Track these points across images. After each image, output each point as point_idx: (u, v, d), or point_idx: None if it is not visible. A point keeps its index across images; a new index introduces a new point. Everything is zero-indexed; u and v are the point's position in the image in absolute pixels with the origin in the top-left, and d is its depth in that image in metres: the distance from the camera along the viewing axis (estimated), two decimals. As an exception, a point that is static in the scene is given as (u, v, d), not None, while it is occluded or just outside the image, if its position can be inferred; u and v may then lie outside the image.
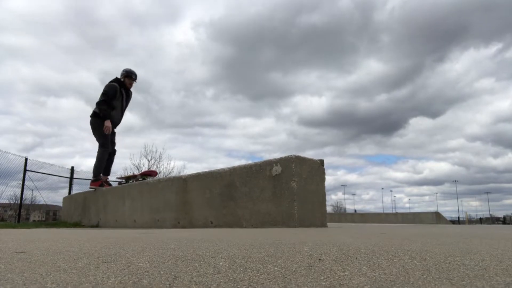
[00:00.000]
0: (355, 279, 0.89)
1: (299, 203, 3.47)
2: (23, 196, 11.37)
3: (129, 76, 6.35)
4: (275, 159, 3.74)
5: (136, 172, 22.00)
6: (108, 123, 6.10)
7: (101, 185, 6.44)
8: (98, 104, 6.16)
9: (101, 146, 6.26)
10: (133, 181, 6.18)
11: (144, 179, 6.24)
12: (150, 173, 6.81)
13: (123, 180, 7.05)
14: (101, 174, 6.48)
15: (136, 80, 6.46)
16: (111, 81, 6.33)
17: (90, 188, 6.57)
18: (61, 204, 9.11)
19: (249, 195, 3.86)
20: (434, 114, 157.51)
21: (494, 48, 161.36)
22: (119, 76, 6.38)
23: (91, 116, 6.28)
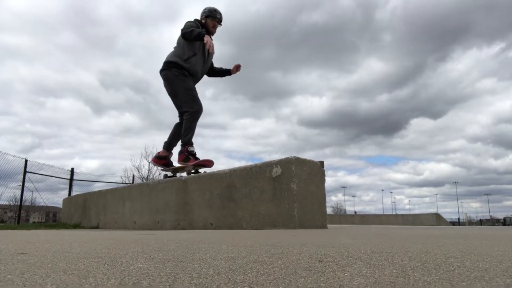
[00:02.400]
0: (355, 281, 0.89)
1: (299, 204, 3.47)
2: (23, 198, 11.40)
3: (212, 15, 4.68)
4: (275, 160, 3.74)
5: (136, 174, 21.50)
6: (207, 38, 4.20)
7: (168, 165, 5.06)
8: (183, 30, 4.46)
9: (187, 108, 4.64)
10: (185, 174, 4.92)
11: (197, 171, 4.88)
12: (205, 163, 4.98)
13: (169, 173, 5.38)
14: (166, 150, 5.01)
15: (221, 23, 4.79)
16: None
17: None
18: (61, 206, 9.12)
19: (249, 197, 3.86)
20: (435, 115, 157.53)
21: (497, 47, 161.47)
22: (198, 18, 4.76)
23: (163, 70, 4.69)
